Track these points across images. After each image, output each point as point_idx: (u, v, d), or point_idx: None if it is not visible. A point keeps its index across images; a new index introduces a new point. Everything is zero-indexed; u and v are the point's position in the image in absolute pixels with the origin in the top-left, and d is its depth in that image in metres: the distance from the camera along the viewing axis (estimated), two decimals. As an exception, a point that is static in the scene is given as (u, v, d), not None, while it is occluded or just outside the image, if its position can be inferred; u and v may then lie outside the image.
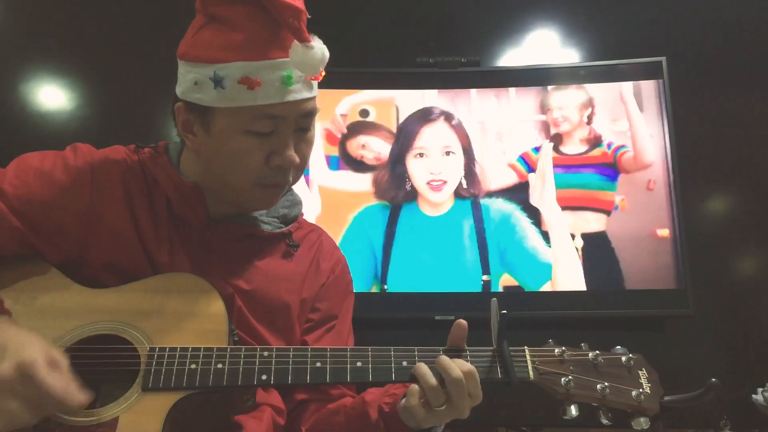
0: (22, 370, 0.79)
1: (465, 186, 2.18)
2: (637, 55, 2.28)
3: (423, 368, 0.94)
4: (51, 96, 2.39)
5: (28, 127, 2.34)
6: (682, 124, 2.22)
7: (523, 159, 2.23)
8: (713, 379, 0.94)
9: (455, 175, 2.18)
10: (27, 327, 0.91)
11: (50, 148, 1.08)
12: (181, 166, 1.10)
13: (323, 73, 1.00)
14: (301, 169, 1.05)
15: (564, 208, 2.17)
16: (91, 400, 0.89)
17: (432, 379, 0.92)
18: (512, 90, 2.27)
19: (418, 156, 2.20)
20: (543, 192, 2.18)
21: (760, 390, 1.89)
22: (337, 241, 1.32)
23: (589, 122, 2.23)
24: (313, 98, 1.01)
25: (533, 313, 2.11)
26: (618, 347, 1.01)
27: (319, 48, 0.95)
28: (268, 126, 0.98)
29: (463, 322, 0.98)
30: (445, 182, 2.17)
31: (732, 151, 2.32)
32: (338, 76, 2.25)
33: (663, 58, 2.23)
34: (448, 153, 2.20)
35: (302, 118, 1.00)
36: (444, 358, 0.93)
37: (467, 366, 0.93)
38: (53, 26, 2.40)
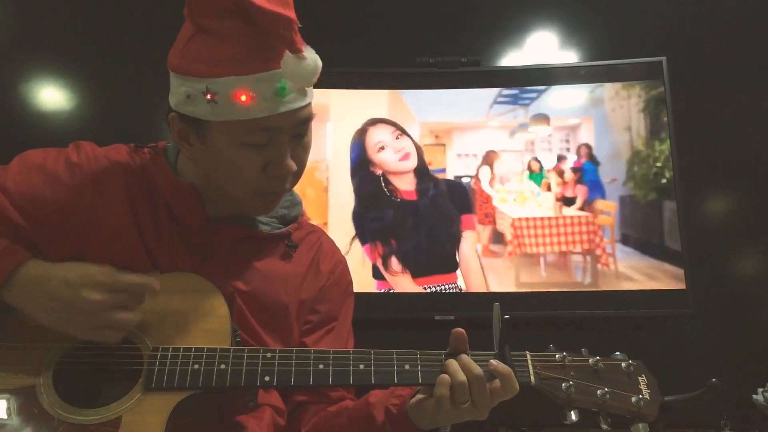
0: (108, 287, 0.92)
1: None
2: (637, 55, 2.28)
3: (454, 365, 0.94)
4: (51, 96, 2.39)
5: (27, 127, 2.34)
6: (682, 124, 2.22)
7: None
8: (713, 379, 0.94)
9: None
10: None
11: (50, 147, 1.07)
12: (179, 167, 1.09)
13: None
14: (298, 174, 1.04)
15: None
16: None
17: (462, 375, 0.93)
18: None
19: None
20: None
21: (760, 390, 1.89)
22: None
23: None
24: (308, 105, 0.99)
25: (533, 314, 2.11)
26: (618, 353, 1.02)
27: (311, 59, 0.93)
28: (264, 138, 0.96)
29: (460, 330, 0.98)
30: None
31: (732, 151, 2.31)
32: (338, 76, 2.25)
33: (663, 58, 2.24)
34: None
35: (298, 125, 0.99)
36: (464, 357, 0.95)
37: (478, 368, 0.93)
38: (53, 26, 2.40)
